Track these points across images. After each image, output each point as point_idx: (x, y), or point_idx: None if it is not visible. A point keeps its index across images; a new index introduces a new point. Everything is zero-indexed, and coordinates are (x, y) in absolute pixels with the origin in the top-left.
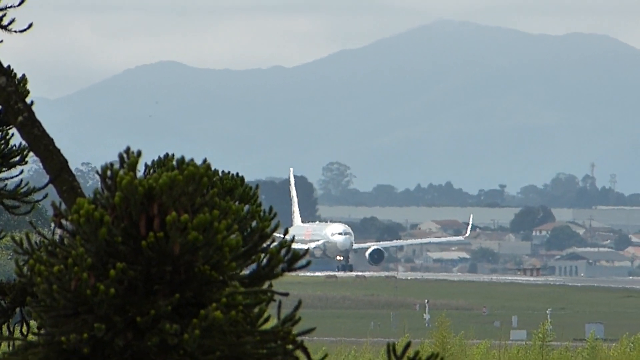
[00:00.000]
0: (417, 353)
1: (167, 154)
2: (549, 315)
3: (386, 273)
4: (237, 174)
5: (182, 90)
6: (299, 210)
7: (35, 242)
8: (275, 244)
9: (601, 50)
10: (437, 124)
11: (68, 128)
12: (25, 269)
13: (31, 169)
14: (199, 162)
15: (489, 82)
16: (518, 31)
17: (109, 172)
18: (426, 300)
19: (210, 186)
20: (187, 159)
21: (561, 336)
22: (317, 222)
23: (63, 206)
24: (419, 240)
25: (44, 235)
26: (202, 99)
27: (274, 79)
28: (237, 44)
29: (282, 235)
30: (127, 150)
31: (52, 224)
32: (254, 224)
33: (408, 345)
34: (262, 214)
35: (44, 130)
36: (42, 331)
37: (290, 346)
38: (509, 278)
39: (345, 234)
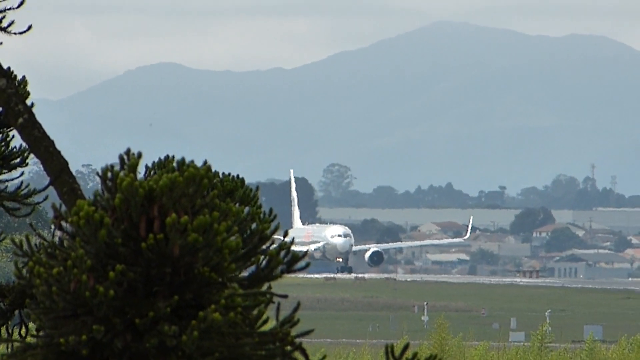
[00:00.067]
0: (415, 354)
1: (167, 156)
2: (547, 317)
3: (385, 275)
4: (238, 175)
5: (182, 92)
6: (299, 211)
7: (35, 244)
8: (275, 245)
9: (600, 51)
10: (437, 125)
11: (68, 130)
12: (24, 271)
13: (31, 170)
14: (199, 163)
15: (489, 83)
16: (517, 32)
17: (109, 174)
18: (425, 302)
19: (210, 188)
20: (187, 160)
21: (560, 338)
22: (317, 224)
23: (63, 208)
24: (418, 243)
25: (43, 238)
26: (202, 100)
27: (274, 81)
28: (236, 46)
29: (282, 237)
30: (128, 151)
31: (52, 226)
32: (254, 225)
33: (406, 346)
34: (262, 215)
35: (44, 132)
36: (41, 333)
37: (289, 348)
38: (508, 280)
39: (345, 235)
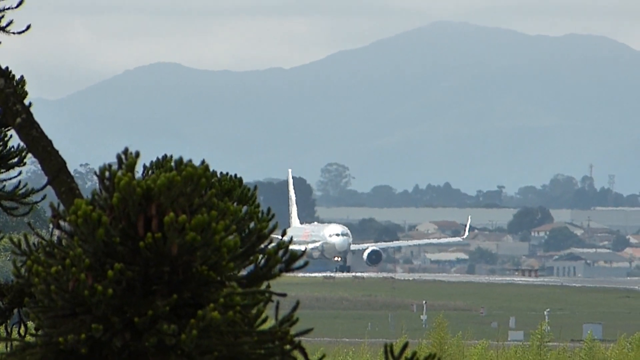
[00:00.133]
0: (414, 354)
1: (165, 155)
2: (546, 316)
3: (384, 274)
4: (236, 175)
5: (181, 92)
6: (298, 211)
7: (34, 244)
8: (273, 244)
9: (600, 51)
10: (435, 125)
11: (66, 129)
12: (23, 270)
13: (29, 170)
14: (197, 163)
15: (488, 83)
16: (516, 32)
17: (107, 173)
18: (424, 301)
19: (208, 187)
20: (185, 160)
21: (559, 337)
22: (316, 223)
23: (61, 207)
24: (417, 241)
25: (42, 237)
26: (200, 100)
27: (273, 80)
28: (235, 46)
29: (280, 236)
30: (126, 151)
31: (51, 225)
32: (252, 225)
33: (405, 346)
34: (260, 215)
35: (42, 132)
36: (40, 332)
37: (288, 346)
38: (507, 279)
39: (343, 235)
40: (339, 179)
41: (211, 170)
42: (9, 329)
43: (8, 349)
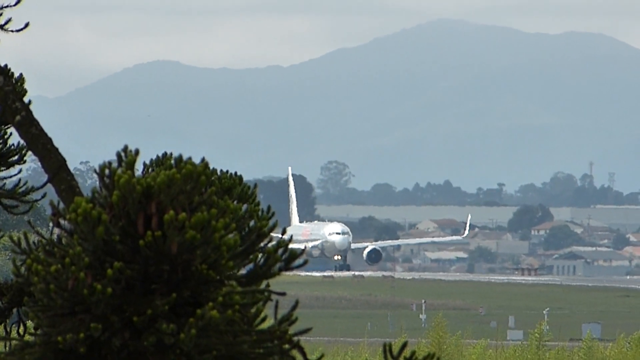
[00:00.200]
0: (413, 353)
1: (165, 153)
2: (546, 315)
3: (384, 273)
4: (236, 173)
5: (180, 90)
6: (298, 209)
7: (33, 242)
8: (273, 243)
9: (599, 49)
10: (435, 123)
11: (66, 127)
12: (22, 268)
13: (29, 168)
14: (197, 161)
15: (487, 82)
16: (515, 30)
17: (107, 171)
18: (423, 301)
19: (208, 185)
20: (185, 157)
21: (558, 336)
22: (316, 222)
23: (61, 205)
24: (416, 240)
25: (41, 235)
26: (200, 98)
27: (272, 78)
28: (234, 43)
29: (280, 235)
30: (125, 149)
31: (51, 223)
32: (252, 223)
33: (404, 345)
34: (260, 213)
35: (42, 129)
36: (39, 331)
37: (287, 346)
38: (506, 278)
39: (343, 233)
40: (339, 177)
41: (211, 168)
42: (8, 328)
43: (7, 348)
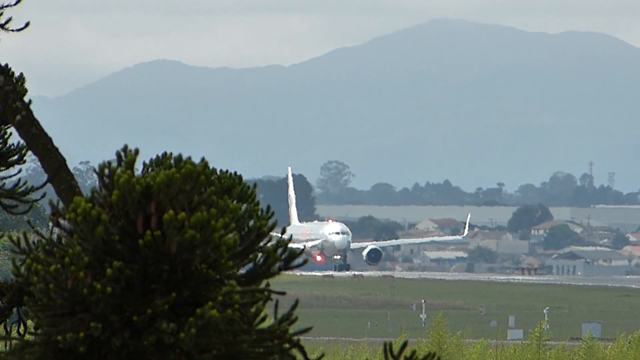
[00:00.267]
0: (413, 353)
1: (165, 153)
2: (546, 315)
3: (383, 272)
4: (235, 172)
5: (180, 89)
6: (297, 208)
7: (33, 242)
8: (272, 243)
9: (599, 48)
10: (435, 123)
11: (66, 127)
12: (22, 268)
13: (29, 167)
14: (196, 160)
15: (487, 81)
16: (515, 29)
17: (106, 171)
18: (423, 300)
19: (207, 185)
20: (184, 157)
21: (558, 335)
22: (315, 221)
23: (61, 205)
24: (416, 240)
25: (41, 235)
26: (200, 97)
27: (272, 78)
28: (235, 43)
29: (279, 235)
30: (125, 148)
31: (50, 223)
32: (251, 223)
33: (405, 345)
34: (259, 212)
35: (42, 129)
36: (39, 331)
37: (287, 345)
38: (506, 278)
39: (343, 233)
40: (338, 177)
41: (210, 167)
42: (8, 328)
43: (7, 347)
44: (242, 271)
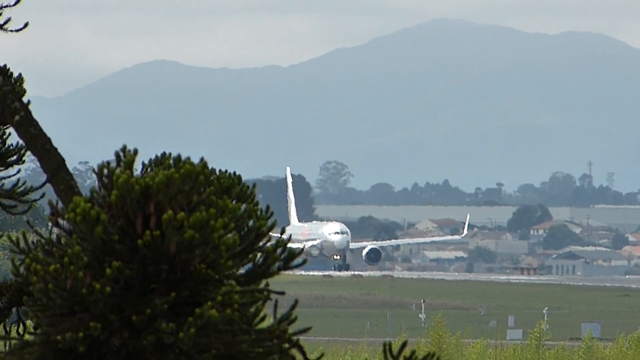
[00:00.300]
0: (413, 352)
1: (164, 153)
2: (545, 315)
3: (383, 272)
4: (234, 172)
5: (179, 89)
6: (296, 209)
7: (32, 242)
8: (271, 242)
9: (598, 49)
10: (434, 123)
11: (65, 127)
12: (21, 268)
13: (28, 168)
14: (196, 161)
15: (486, 81)
16: (514, 30)
17: (105, 171)
18: (422, 300)
19: (207, 185)
20: (183, 157)
21: (558, 335)
22: (315, 221)
23: (60, 205)
24: (415, 240)
25: (40, 235)
26: (199, 98)
27: (271, 78)
28: (234, 43)
29: (279, 235)
30: (124, 148)
31: (49, 223)
32: (250, 222)
33: (404, 344)
34: (259, 212)
35: (40, 129)
36: (38, 330)
37: (287, 345)
38: (506, 277)
39: (342, 233)
40: (337, 177)
41: (210, 167)
42: (7, 328)
43: (7, 347)
44: (242, 271)
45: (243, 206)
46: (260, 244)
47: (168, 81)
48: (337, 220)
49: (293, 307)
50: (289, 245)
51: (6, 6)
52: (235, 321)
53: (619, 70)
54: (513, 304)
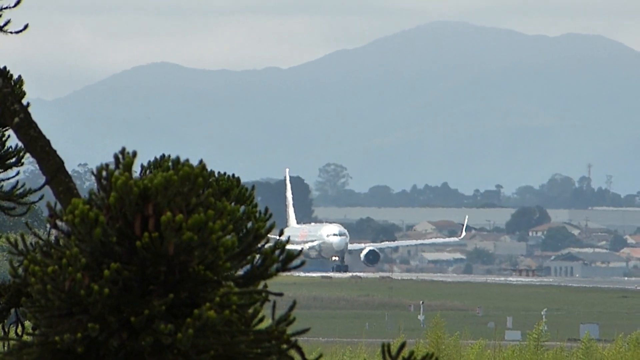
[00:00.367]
0: (411, 353)
1: (163, 155)
2: (544, 316)
3: (381, 274)
4: (233, 174)
5: (179, 91)
6: (295, 211)
7: (31, 243)
8: (270, 244)
9: (597, 50)
10: (433, 125)
11: (64, 129)
12: (20, 269)
13: (27, 170)
14: (195, 162)
15: (486, 83)
16: (515, 32)
17: (104, 173)
18: (421, 301)
19: (205, 187)
20: (182, 159)
21: (556, 337)
22: (313, 223)
23: (58, 207)
24: (414, 241)
25: (39, 236)
26: (198, 99)
27: (270, 80)
28: (233, 45)
29: (277, 236)
30: (123, 150)
31: (48, 225)
32: (249, 224)
33: (403, 345)
34: (257, 214)
35: (40, 132)
36: (37, 331)
37: (285, 346)
38: (504, 279)
39: (341, 234)
40: (336, 179)
41: (209, 169)
42: (6, 329)
43: (5, 348)
44: (240, 272)
45: (242, 208)
46: (259, 245)
47: (168, 83)
48: (335, 222)
49: (291, 308)
50: (288, 246)
51: (6, 8)
52: (233, 322)
53: (618, 72)
54: (511, 305)
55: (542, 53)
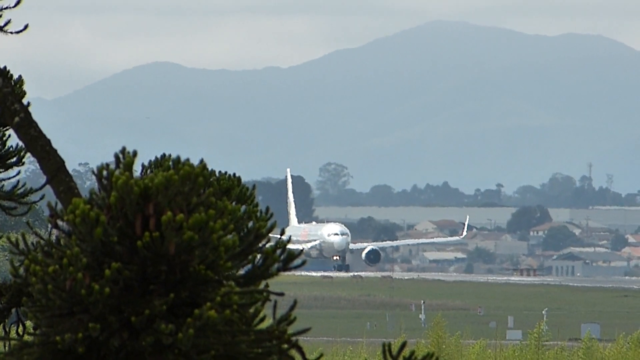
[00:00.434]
0: (412, 353)
1: (163, 154)
2: (545, 315)
3: (382, 273)
4: (234, 174)
5: (179, 91)
6: (296, 210)
7: (32, 243)
8: (271, 244)
9: (597, 50)
10: (434, 124)
11: (65, 129)
12: (21, 269)
13: (28, 169)
14: (195, 162)
15: (486, 83)
16: (514, 31)
17: (104, 172)
18: (422, 301)
19: (206, 186)
20: (183, 159)
21: (557, 336)
22: (314, 223)
23: (59, 206)
24: (415, 241)
25: (40, 236)
26: (198, 99)
27: (270, 80)
28: (233, 45)
29: (278, 236)
30: (123, 150)
31: (49, 224)
32: (250, 224)
33: (404, 345)
34: (258, 214)
35: (40, 131)
36: (38, 331)
37: (286, 345)
38: (505, 278)
39: (342, 234)
40: (337, 179)
41: (209, 169)
42: (7, 329)
43: (6, 348)
44: (241, 272)
45: (243, 207)
46: (260, 245)
47: (168, 82)
48: (336, 222)
49: (292, 307)
50: (289, 246)
51: (6, 8)
52: (234, 322)
53: (618, 72)
54: (512, 304)
55: (541, 53)
